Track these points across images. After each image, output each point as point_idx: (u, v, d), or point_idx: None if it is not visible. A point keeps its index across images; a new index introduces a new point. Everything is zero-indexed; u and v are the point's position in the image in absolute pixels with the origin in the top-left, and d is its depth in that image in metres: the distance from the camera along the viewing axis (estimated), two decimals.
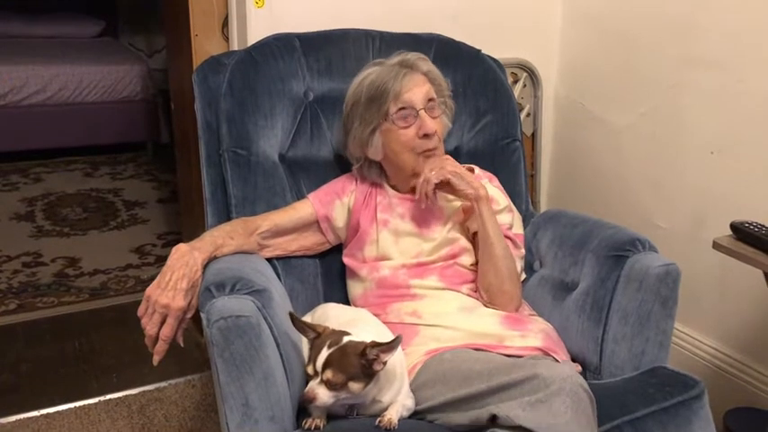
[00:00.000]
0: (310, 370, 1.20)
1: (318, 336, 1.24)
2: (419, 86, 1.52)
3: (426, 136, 1.50)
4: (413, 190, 1.58)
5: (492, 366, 1.23)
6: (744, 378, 1.93)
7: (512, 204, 1.66)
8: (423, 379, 1.33)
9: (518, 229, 1.66)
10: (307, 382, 1.31)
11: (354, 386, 1.19)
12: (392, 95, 1.50)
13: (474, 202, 1.50)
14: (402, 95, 1.50)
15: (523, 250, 1.63)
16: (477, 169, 1.66)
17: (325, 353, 1.19)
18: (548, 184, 2.48)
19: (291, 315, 1.27)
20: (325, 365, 1.18)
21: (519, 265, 1.59)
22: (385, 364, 1.20)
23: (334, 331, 1.25)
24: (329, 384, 1.18)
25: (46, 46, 4.72)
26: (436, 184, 1.48)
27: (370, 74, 1.56)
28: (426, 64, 1.58)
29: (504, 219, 1.60)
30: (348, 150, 1.62)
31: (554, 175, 2.47)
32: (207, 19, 1.98)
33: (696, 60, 1.93)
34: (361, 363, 1.19)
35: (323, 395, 1.18)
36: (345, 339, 1.21)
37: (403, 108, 1.50)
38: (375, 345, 1.19)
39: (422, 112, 1.50)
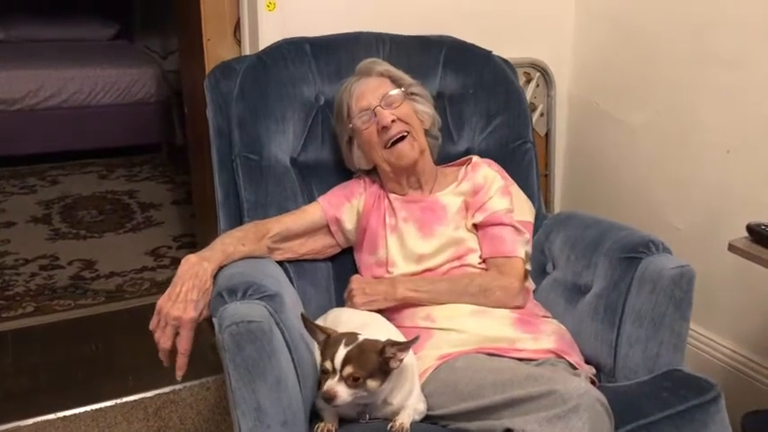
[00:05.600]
0: (328, 366, 1.20)
1: (328, 337, 1.24)
2: (371, 89, 1.57)
3: (384, 128, 1.53)
4: (415, 189, 1.61)
5: (506, 378, 1.22)
6: (762, 380, 1.91)
7: (514, 189, 1.65)
8: (434, 386, 1.33)
9: (524, 215, 1.65)
10: (319, 386, 1.32)
11: (372, 384, 1.20)
12: (347, 105, 1.58)
13: (393, 301, 1.49)
14: (357, 103, 1.56)
15: (528, 236, 1.61)
16: (475, 158, 1.67)
17: (343, 350, 1.19)
18: (562, 184, 2.47)
19: (303, 316, 1.28)
20: (345, 362, 1.18)
21: (523, 250, 1.57)
22: (401, 362, 1.22)
23: (344, 333, 1.25)
24: (349, 381, 1.18)
25: (61, 49, 4.75)
26: None
27: (338, 93, 1.64)
28: (381, 65, 1.64)
29: (499, 204, 1.57)
30: (347, 166, 1.68)
31: (568, 174, 2.46)
32: (219, 23, 1.99)
33: (711, 58, 1.91)
34: (379, 360, 1.20)
35: (342, 392, 1.18)
36: (361, 338, 1.22)
37: (359, 113, 1.55)
38: (393, 343, 1.21)
39: (377, 109, 1.54)
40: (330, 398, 1.18)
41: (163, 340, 1.29)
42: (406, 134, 1.54)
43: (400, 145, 1.54)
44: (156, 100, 4.54)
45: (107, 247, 3.23)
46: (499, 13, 2.18)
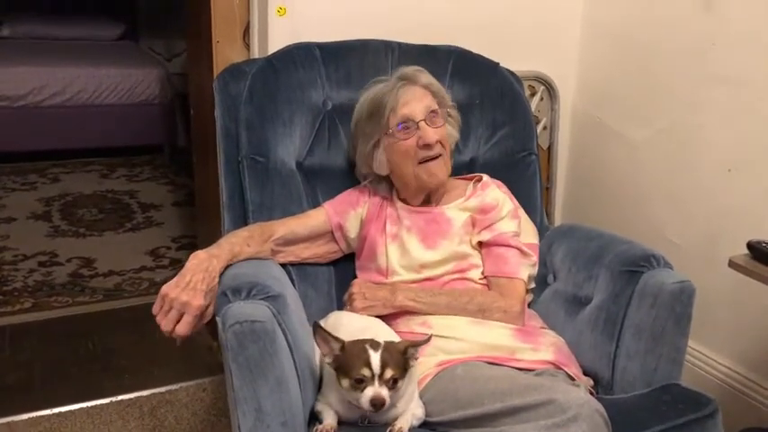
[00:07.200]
0: (366, 373, 1.19)
1: (343, 345, 1.24)
2: (417, 99, 1.54)
3: (427, 146, 1.52)
4: (423, 203, 1.60)
5: (505, 386, 1.22)
6: (758, 399, 1.91)
7: (520, 212, 1.65)
8: (434, 392, 1.34)
9: (529, 237, 1.65)
10: (319, 388, 1.32)
11: (400, 384, 1.23)
12: (389, 108, 1.53)
13: (391, 308, 1.49)
14: (401, 109, 1.52)
15: (534, 258, 1.61)
16: (485, 177, 1.66)
17: (375, 355, 1.20)
18: (563, 198, 2.48)
19: (316, 324, 1.26)
20: (384, 366, 1.20)
21: (527, 273, 1.57)
22: (416, 360, 1.26)
23: (360, 340, 1.25)
24: (390, 383, 1.20)
25: (66, 48, 4.77)
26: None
27: (371, 91, 1.60)
28: (426, 76, 1.60)
29: (507, 226, 1.57)
30: (357, 168, 1.66)
31: (570, 188, 2.47)
32: (228, 26, 2.00)
33: (715, 77, 1.93)
34: (403, 360, 1.23)
35: (387, 396, 1.20)
36: (382, 341, 1.24)
37: (403, 122, 1.52)
38: (413, 343, 1.26)
39: (422, 123, 1.52)
40: (380, 404, 1.19)
41: (165, 323, 1.30)
42: (439, 156, 1.54)
43: (433, 163, 1.53)
44: (159, 102, 4.55)
45: (106, 245, 3.23)
46: (505, 26, 2.19)
